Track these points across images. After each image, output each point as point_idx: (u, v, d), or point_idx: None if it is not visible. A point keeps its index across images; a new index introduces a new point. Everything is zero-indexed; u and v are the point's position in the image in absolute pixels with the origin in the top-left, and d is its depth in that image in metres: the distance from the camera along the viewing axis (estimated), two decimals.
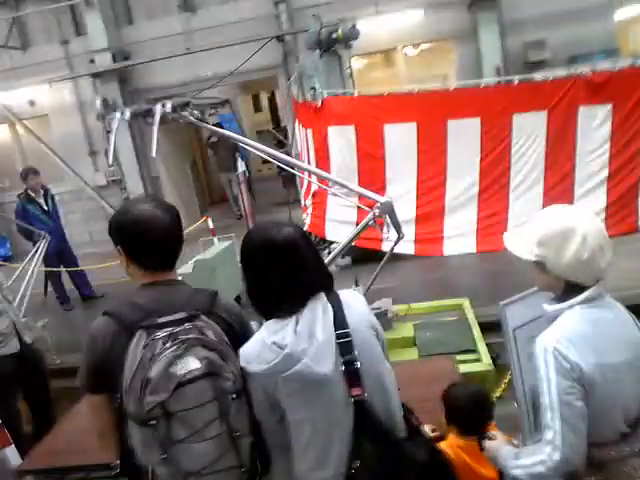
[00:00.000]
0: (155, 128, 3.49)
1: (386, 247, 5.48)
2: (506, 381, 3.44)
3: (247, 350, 1.61)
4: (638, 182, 4.89)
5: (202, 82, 9.56)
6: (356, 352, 1.58)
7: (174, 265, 1.82)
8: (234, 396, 1.59)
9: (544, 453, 1.56)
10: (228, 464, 1.60)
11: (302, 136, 6.56)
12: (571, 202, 4.82)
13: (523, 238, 1.69)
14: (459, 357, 3.25)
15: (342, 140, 5.70)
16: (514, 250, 1.70)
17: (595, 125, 4.91)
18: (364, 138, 5.56)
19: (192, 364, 1.54)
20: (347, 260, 6.44)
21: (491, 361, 3.42)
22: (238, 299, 4.96)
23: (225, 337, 1.66)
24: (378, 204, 3.46)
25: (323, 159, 5.88)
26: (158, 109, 3.45)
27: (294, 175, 9.69)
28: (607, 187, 4.87)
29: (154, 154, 3.71)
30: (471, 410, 2.25)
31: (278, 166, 13.00)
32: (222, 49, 8.78)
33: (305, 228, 5.89)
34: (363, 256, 5.76)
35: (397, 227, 3.45)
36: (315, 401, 1.56)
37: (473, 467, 2.20)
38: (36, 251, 5.99)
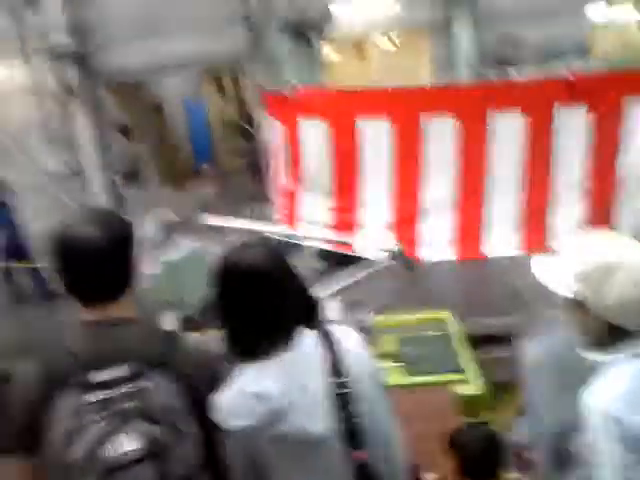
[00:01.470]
0: None
1: (359, 252, 5.30)
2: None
3: (223, 401, 1.34)
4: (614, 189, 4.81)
5: (166, 67, 9.15)
6: (356, 406, 1.35)
7: (118, 296, 1.47)
8: None
9: None
10: None
11: (272, 128, 6.29)
12: (550, 211, 4.71)
13: (557, 270, 1.46)
14: (445, 377, 3.08)
15: (315, 134, 5.45)
16: (547, 283, 1.46)
17: (572, 127, 4.80)
18: (337, 134, 5.33)
19: (128, 444, 1.21)
20: (323, 265, 6.19)
21: (480, 382, 3.20)
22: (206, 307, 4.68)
23: (181, 400, 1.32)
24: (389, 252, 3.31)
25: (295, 154, 5.64)
26: None
27: (262, 169, 9.43)
28: (585, 195, 4.77)
29: None
30: (484, 457, 2.05)
31: (247, 159, 12.73)
32: (188, 32, 8.37)
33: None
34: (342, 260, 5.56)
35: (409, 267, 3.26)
36: (308, 464, 1.34)
37: None
38: None
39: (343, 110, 5.30)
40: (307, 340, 1.38)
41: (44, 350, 1.42)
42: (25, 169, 9.21)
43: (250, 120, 19.63)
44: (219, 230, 4.39)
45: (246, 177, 10.56)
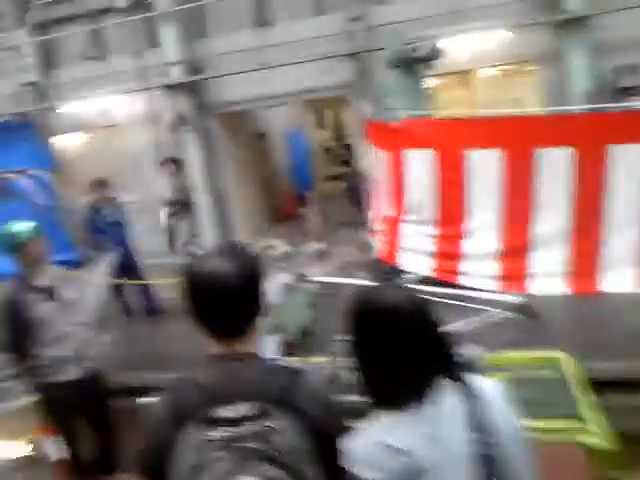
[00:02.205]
0: None
1: (464, 280, 5.14)
2: None
3: (356, 451, 1.27)
4: None
5: (272, 98, 9.47)
6: (501, 467, 1.23)
7: (246, 332, 1.47)
8: None
9: None
10: None
11: (375, 157, 6.30)
12: None
13: None
14: (564, 424, 2.77)
15: (420, 164, 5.40)
16: None
17: None
18: (443, 164, 5.24)
19: None
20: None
21: (606, 432, 2.81)
22: (304, 334, 4.70)
23: (306, 442, 1.25)
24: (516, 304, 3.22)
25: (398, 182, 5.60)
26: None
27: (362, 195, 9.48)
28: None
29: None
30: None
31: (346, 184, 12.83)
32: (294, 65, 8.64)
33: (374, 255, 5.64)
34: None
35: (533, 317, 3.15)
36: None
37: None
38: (104, 263, 5.95)
39: (450, 139, 5.21)
40: (448, 392, 1.27)
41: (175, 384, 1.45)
42: (138, 192, 9.81)
43: (348, 149, 20.03)
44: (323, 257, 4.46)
45: (345, 204, 10.64)
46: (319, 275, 5.26)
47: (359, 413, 1.37)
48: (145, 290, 7.38)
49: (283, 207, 13.58)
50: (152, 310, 7.40)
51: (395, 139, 5.60)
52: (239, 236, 10.40)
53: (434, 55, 6.03)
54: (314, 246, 5.47)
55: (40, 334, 3.42)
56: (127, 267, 7.04)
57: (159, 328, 7.13)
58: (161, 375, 5.39)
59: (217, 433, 1.22)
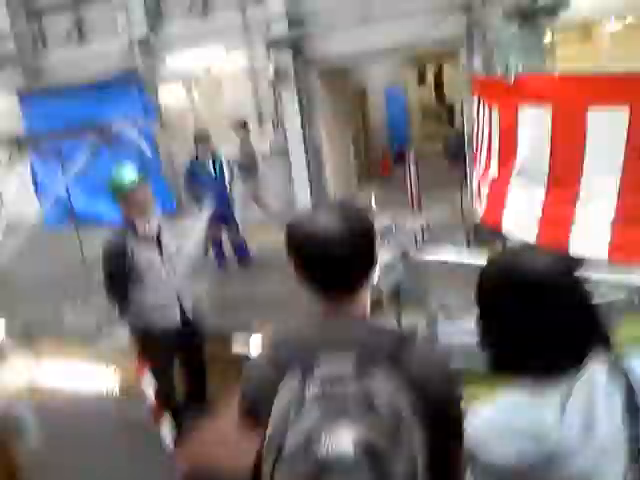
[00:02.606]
0: None
1: (573, 249, 4.83)
2: None
3: (478, 430, 1.15)
4: None
5: (375, 54, 9.20)
6: None
7: (355, 290, 1.40)
8: None
9: None
10: None
11: (483, 115, 5.97)
12: None
13: None
14: None
15: (535, 123, 5.07)
16: None
17: None
18: (562, 123, 4.87)
19: (345, 443, 1.07)
20: None
21: None
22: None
23: (407, 410, 1.14)
24: None
25: (509, 142, 5.29)
26: None
27: (464, 156, 9.11)
28: None
29: None
30: None
31: (447, 143, 12.44)
32: (401, 18, 8.30)
33: (478, 218, 5.42)
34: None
35: None
36: None
37: None
38: (203, 214, 6.10)
39: (571, 97, 4.82)
40: (596, 370, 1.11)
41: (276, 333, 1.43)
42: (235, 146, 9.94)
43: (449, 108, 19.32)
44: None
45: (443, 164, 10.30)
46: (422, 249, 5.07)
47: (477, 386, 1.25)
48: (239, 242, 7.56)
49: (378, 165, 13.40)
50: (244, 260, 7.59)
51: (509, 96, 5.26)
52: (333, 193, 10.37)
53: (557, 5, 5.56)
54: (414, 217, 5.28)
55: (142, 281, 3.52)
56: (224, 219, 7.20)
57: (251, 277, 7.30)
58: (254, 324, 5.53)
59: (316, 389, 1.16)
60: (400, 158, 14.81)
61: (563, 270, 1.20)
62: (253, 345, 3.60)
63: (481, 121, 6.03)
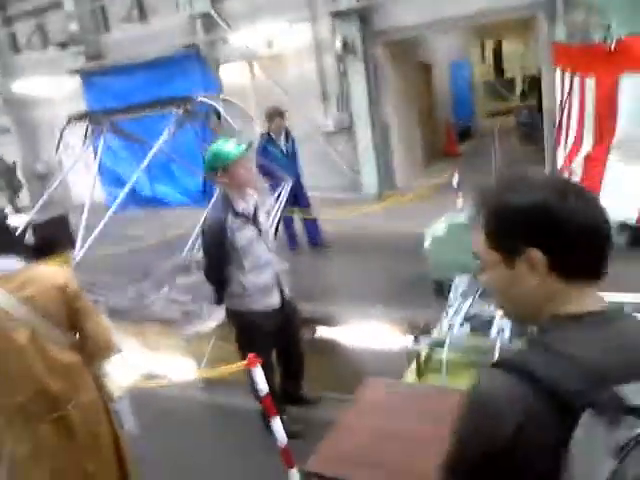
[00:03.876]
0: None
1: None
2: None
3: None
4: None
5: (445, 23, 8.80)
6: None
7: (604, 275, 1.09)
8: None
9: None
10: None
11: (570, 87, 5.58)
12: None
13: None
14: None
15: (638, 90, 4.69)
16: None
17: None
18: None
19: None
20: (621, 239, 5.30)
21: None
22: None
23: None
24: None
25: (608, 112, 4.92)
26: None
27: (540, 130, 8.66)
28: None
29: None
30: None
31: (519, 119, 11.81)
32: None
33: None
34: None
35: None
36: None
37: None
38: (279, 194, 5.97)
39: None
40: None
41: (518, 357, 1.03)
42: (301, 123, 9.69)
43: (511, 82, 18.63)
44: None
45: (514, 141, 9.84)
46: None
47: None
48: (312, 222, 7.36)
49: (443, 143, 13.01)
50: (317, 243, 7.39)
51: (607, 63, 4.88)
52: (398, 170, 10.07)
53: None
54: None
55: (244, 261, 3.36)
56: (297, 198, 7.03)
57: (324, 260, 7.14)
58: (332, 307, 5.37)
59: (624, 429, 0.80)
60: (465, 135, 14.39)
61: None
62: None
63: (569, 93, 5.66)
